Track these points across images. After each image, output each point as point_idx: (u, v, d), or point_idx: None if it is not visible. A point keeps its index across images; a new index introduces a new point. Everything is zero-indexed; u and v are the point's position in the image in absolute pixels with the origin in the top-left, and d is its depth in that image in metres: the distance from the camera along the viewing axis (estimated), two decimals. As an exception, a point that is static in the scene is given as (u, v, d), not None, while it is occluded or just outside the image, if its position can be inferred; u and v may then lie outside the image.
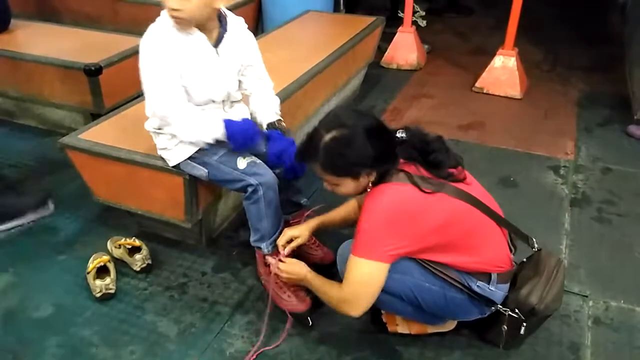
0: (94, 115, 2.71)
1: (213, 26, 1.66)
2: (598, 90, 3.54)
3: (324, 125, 1.40)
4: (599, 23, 4.84)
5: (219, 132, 1.68)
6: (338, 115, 1.42)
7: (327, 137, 1.37)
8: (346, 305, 1.45)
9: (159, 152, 1.80)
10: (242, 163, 1.73)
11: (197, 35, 1.63)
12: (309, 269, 1.61)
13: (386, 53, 3.94)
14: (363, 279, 1.41)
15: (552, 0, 5.39)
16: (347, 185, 1.43)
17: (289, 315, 1.73)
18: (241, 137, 1.69)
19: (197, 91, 1.68)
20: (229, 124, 1.69)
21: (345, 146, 1.36)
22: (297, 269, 1.61)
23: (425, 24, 4.48)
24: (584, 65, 3.94)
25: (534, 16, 4.41)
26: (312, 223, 1.77)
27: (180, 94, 1.65)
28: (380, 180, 1.41)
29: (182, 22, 1.57)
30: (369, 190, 1.44)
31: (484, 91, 3.50)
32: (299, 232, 1.72)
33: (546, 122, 3.12)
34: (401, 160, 1.42)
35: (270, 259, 1.78)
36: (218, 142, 1.71)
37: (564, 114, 3.23)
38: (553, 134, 2.98)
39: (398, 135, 1.43)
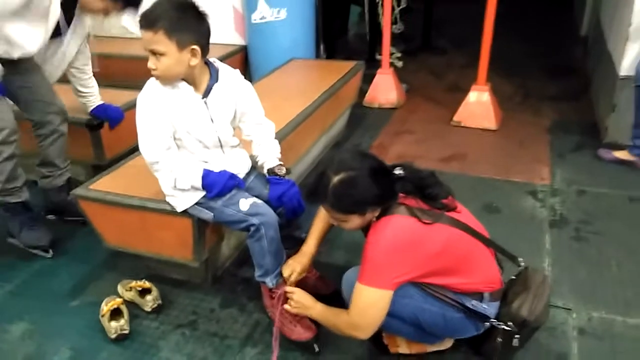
0: (95, 167, 2.83)
1: (200, 79, 1.79)
2: (567, 118, 3.75)
3: (331, 168, 1.53)
4: (564, 56, 5.14)
5: (197, 182, 1.82)
6: (343, 159, 1.55)
7: (335, 179, 1.50)
8: (355, 329, 1.57)
9: (167, 199, 1.92)
10: (244, 205, 1.86)
11: (184, 87, 1.75)
12: (314, 299, 1.72)
13: (367, 94, 4.13)
14: (370, 305, 1.53)
15: (519, 37, 5.72)
16: (354, 221, 1.57)
17: (274, 330, 1.81)
18: (216, 188, 1.83)
19: (187, 138, 1.82)
20: (206, 175, 1.83)
21: (352, 187, 1.49)
22: (306, 299, 1.72)
23: (402, 65, 4.73)
24: (552, 96, 4.17)
25: (503, 52, 4.66)
26: (309, 249, 1.87)
27: (167, 143, 1.78)
28: (383, 213, 1.54)
29: (160, 79, 1.73)
30: (373, 222, 1.56)
31: (462, 125, 3.69)
32: (299, 263, 1.85)
33: (522, 151, 3.32)
34: (400, 195, 1.55)
35: (277, 290, 1.89)
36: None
37: (538, 142, 3.42)
38: (529, 161, 3.17)
39: (396, 172, 1.57)
